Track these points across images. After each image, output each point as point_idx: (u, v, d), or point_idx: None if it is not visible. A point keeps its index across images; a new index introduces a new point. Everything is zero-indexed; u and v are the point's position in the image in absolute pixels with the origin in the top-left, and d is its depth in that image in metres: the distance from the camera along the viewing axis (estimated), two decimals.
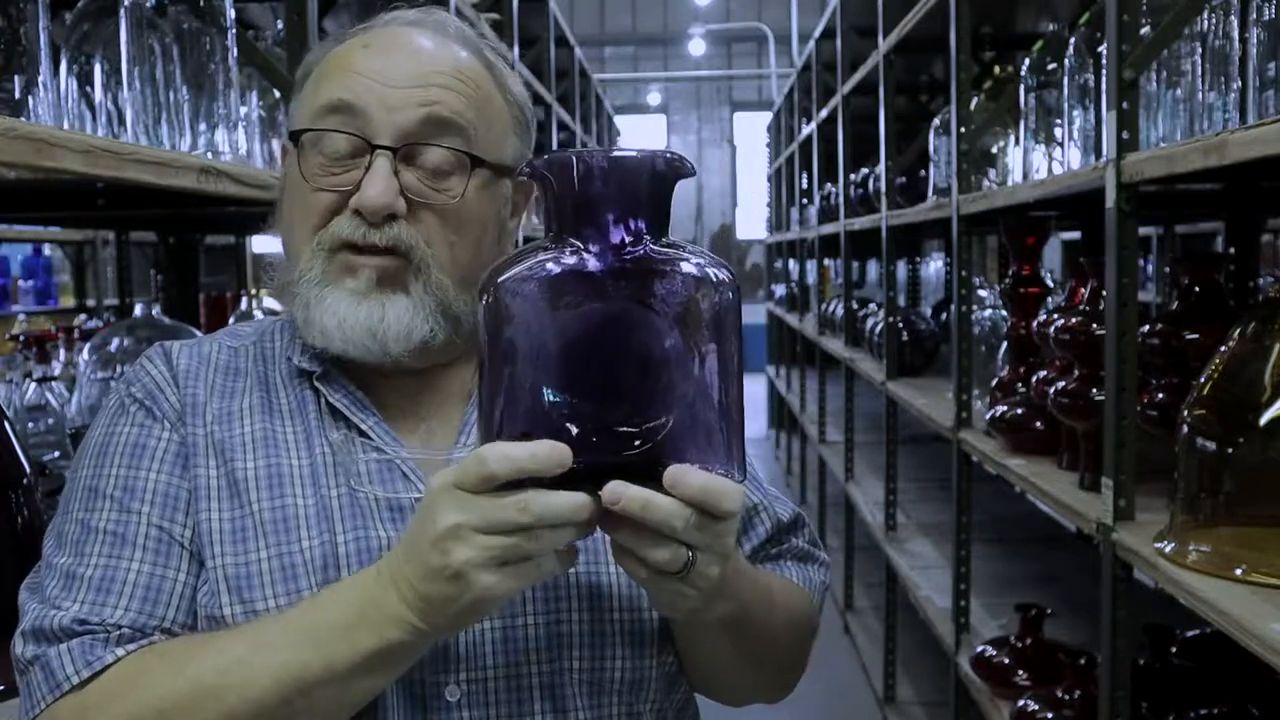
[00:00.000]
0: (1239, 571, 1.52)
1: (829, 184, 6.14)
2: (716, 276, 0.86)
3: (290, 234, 1.10)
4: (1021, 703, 2.40)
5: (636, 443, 0.83)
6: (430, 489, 0.87)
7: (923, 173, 3.90)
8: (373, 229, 1.04)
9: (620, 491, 0.81)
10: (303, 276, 1.06)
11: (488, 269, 0.88)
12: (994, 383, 2.84)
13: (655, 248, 0.86)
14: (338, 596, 0.95)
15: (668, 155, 0.87)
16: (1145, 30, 1.84)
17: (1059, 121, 2.47)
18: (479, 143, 1.08)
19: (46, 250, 6.74)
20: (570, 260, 0.85)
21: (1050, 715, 2.31)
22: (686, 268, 0.86)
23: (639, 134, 19.18)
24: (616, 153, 0.87)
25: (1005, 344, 2.88)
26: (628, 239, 0.86)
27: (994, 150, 3.04)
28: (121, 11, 1.48)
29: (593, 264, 0.85)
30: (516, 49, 4.55)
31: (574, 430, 0.83)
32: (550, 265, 0.85)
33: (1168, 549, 1.65)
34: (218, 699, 0.92)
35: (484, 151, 1.08)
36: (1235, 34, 1.68)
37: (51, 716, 0.96)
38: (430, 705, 1.01)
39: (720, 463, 0.85)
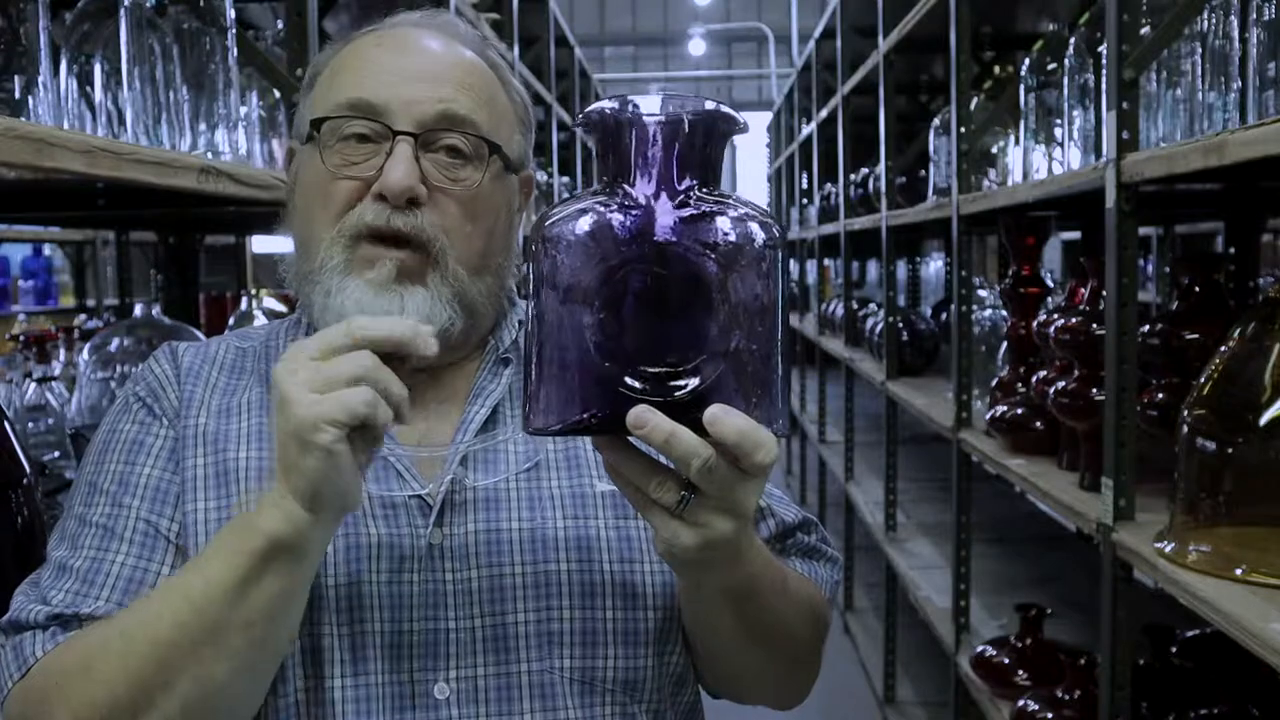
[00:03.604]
0: (1239, 571, 1.52)
1: (829, 184, 6.13)
2: (764, 230, 0.87)
3: (308, 225, 1.10)
4: (1021, 703, 2.40)
5: (678, 384, 0.84)
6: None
7: (923, 173, 3.89)
8: (396, 213, 1.05)
9: (647, 418, 0.81)
10: (324, 265, 1.07)
11: (539, 216, 0.89)
12: (994, 383, 2.83)
13: (705, 198, 0.87)
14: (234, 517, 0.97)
15: (723, 110, 0.88)
16: (1145, 30, 1.84)
17: (1059, 121, 2.47)
18: (490, 138, 1.10)
19: (46, 250, 6.74)
20: (617, 206, 0.86)
21: (1050, 715, 2.31)
22: (734, 220, 0.86)
23: None
24: (672, 104, 0.88)
25: (1005, 344, 2.88)
26: (678, 189, 0.87)
27: (994, 150, 3.04)
28: (121, 11, 1.48)
29: (640, 210, 0.86)
30: (516, 49, 4.55)
31: (617, 372, 0.83)
32: (601, 210, 0.86)
33: (1168, 549, 1.65)
34: (122, 634, 0.93)
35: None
36: (1235, 34, 1.68)
37: (12, 695, 0.98)
38: (419, 703, 1.01)
39: (764, 415, 0.85)
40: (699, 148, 0.88)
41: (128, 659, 0.92)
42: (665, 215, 0.86)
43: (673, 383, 0.84)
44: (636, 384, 0.83)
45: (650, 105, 0.87)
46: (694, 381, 0.84)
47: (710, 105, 0.88)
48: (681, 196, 0.86)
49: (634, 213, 0.86)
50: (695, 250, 0.85)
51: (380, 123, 1.06)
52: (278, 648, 0.96)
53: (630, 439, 0.84)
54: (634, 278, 0.85)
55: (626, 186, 0.87)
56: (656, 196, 0.86)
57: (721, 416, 0.81)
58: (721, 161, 0.90)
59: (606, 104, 0.88)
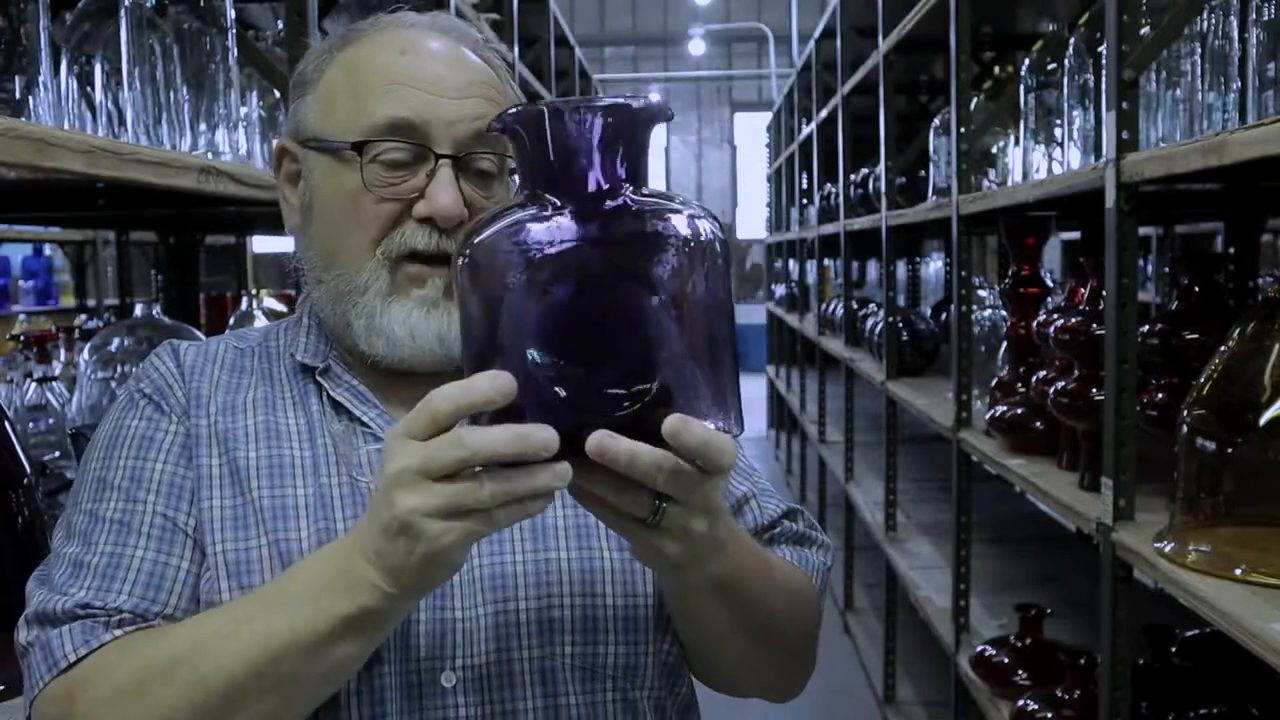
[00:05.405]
0: (1239, 571, 1.52)
1: (829, 184, 6.13)
2: (701, 226, 0.82)
3: (342, 243, 1.09)
4: (1021, 703, 2.40)
5: (626, 403, 0.80)
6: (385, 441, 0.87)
7: (923, 173, 3.89)
8: (445, 237, 1.05)
9: (607, 445, 0.79)
10: (369, 287, 1.07)
11: (462, 233, 0.85)
12: (994, 383, 2.83)
13: (635, 198, 0.83)
14: (310, 565, 0.95)
15: (640, 99, 0.84)
16: (1145, 30, 1.84)
17: (1059, 121, 2.47)
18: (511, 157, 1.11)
19: (46, 250, 6.74)
20: (546, 217, 0.82)
21: (1050, 715, 2.31)
22: (669, 218, 0.82)
23: None
24: (587, 100, 0.83)
25: (1005, 344, 2.87)
26: (605, 191, 0.82)
27: (994, 150, 3.04)
28: (121, 11, 1.48)
29: (569, 220, 0.81)
30: (516, 49, 4.56)
31: (562, 393, 0.79)
32: (526, 224, 0.81)
33: (1168, 549, 1.65)
34: (192, 667, 0.92)
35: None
36: (1235, 34, 1.69)
37: (46, 696, 0.97)
38: (426, 692, 1.02)
39: (718, 417, 0.82)
40: (621, 144, 0.83)
41: (194, 692, 0.91)
42: (590, 221, 0.81)
43: (625, 399, 0.80)
44: (586, 403, 0.79)
45: (564, 104, 0.83)
46: (638, 400, 0.80)
47: (623, 97, 0.83)
48: (608, 199, 0.82)
49: (560, 219, 0.81)
50: (627, 256, 0.81)
51: (424, 146, 1.06)
52: (341, 685, 0.97)
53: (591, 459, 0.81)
54: (564, 292, 0.80)
55: (549, 195, 0.82)
56: (581, 202, 0.81)
57: (681, 429, 0.80)
58: (647, 156, 0.86)
59: (518, 108, 0.84)
